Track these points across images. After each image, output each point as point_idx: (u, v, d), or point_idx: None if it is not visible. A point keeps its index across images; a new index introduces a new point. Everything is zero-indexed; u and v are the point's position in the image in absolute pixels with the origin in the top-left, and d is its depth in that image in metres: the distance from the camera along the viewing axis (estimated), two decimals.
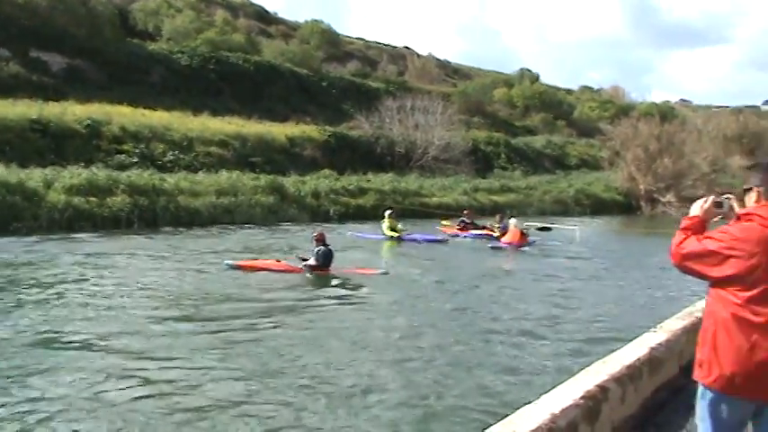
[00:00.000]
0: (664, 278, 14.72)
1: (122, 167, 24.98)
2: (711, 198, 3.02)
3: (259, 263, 13.92)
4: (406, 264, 16.14)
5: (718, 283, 2.81)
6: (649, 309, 11.55)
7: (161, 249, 16.30)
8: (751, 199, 2.89)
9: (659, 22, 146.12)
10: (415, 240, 20.58)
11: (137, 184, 21.66)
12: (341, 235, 20.82)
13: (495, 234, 21.77)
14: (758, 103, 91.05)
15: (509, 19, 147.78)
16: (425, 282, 13.90)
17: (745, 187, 2.94)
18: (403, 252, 18.73)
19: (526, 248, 20.02)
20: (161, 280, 12.39)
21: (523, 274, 15.55)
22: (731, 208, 2.98)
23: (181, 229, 20.77)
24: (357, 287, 12.64)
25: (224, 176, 26.02)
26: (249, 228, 22.28)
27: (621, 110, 65.08)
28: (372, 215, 25.99)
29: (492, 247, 19.76)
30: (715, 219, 3.01)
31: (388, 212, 21.53)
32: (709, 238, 2.82)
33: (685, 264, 2.86)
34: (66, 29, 38.51)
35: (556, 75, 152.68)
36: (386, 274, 13.90)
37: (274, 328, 9.24)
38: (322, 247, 13.68)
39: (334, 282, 13.09)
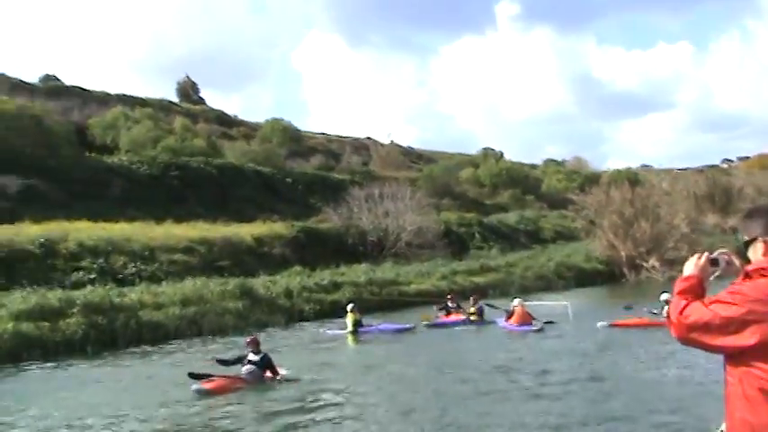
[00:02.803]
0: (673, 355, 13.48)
1: (79, 285, 23.42)
2: (706, 255, 2.74)
3: (228, 382, 12.38)
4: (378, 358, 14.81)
5: (736, 356, 2.42)
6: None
7: (114, 376, 14.68)
8: (757, 251, 2.57)
9: (604, 94, 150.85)
10: (380, 330, 20.25)
11: (92, 303, 20.05)
12: (313, 332, 20.55)
13: (473, 318, 21.49)
14: (715, 162, 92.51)
15: (460, 104, 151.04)
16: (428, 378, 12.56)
17: (746, 239, 2.63)
18: (368, 346, 17.74)
19: (533, 328, 19.25)
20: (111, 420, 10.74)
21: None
22: (728, 264, 2.72)
23: (144, 347, 19.16)
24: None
25: (189, 284, 24.52)
26: (220, 338, 20.79)
27: (588, 179, 65.22)
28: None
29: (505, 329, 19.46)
30: (711, 278, 2.72)
31: (350, 306, 21.25)
32: (719, 302, 2.44)
33: (692, 336, 2.46)
34: (23, 150, 37.65)
35: (515, 152, 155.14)
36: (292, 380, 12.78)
37: None
38: (251, 354, 12.54)
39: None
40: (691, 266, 2.70)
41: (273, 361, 12.83)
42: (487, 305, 22.36)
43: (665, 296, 18.12)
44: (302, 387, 12.31)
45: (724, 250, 2.79)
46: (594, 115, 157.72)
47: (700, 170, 73.62)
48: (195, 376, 12.10)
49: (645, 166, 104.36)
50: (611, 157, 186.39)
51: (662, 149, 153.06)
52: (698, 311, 2.48)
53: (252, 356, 12.61)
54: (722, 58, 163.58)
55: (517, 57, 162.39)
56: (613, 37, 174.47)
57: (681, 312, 2.53)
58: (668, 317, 2.60)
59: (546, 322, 19.91)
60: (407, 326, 20.94)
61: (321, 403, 11.00)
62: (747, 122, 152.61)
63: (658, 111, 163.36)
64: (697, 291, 2.61)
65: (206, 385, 12.05)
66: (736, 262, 2.73)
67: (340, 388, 12.15)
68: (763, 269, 2.46)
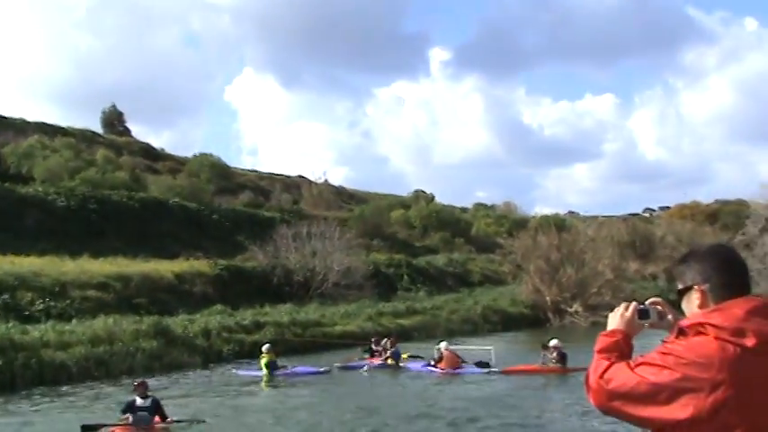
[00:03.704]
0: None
1: None
2: (633, 305, 2.30)
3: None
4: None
5: (666, 431, 1.96)
6: None
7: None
8: (692, 302, 2.14)
9: (533, 142, 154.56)
10: (294, 373, 20.02)
11: None
12: (225, 374, 19.99)
13: (389, 362, 21.35)
14: (637, 210, 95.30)
15: (393, 146, 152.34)
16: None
17: (680, 287, 2.20)
18: (282, 390, 17.12)
19: (462, 372, 19.31)
20: None
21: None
22: (661, 316, 2.30)
23: (44, 389, 17.86)
24: None
25: (99, 322, 23.19)
26: (129, 379, 19.58)
27: (516, 223, 65.98)
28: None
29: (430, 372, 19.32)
30: (638, 333, 2.27)
31: (265, 347, 20.86)
32: (647, 364, 2.01)
33: (613, 405, 2.03)
34: None
35: (446, 195, 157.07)
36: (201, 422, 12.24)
37: None
38: (138, 399, 11.74)
39: None
40: (616, 319, 2.27)
41: (163, 406, 12.07)
42: (411, 356, 22.16)
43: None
44: None
45: (656, 299, 2.38)
46: (524, 162, 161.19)
47: (623, 218, 75.62)
48: (88, 428, 11.17)
49: (571, 213, 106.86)
50: (540, 203, 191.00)
51: (588, 197, 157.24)
52: (622, 375, 2.03)
53: (139, 401, 11.77)
54: (645, 112, 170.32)
55: (449, 102, 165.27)
56: (542, 87, 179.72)
57: (601, 375, 2.07)
58: (586, 380, 2.13)
59: (479, 363, 19.84)
60: (322, 369, 20.68)
61: None
62: (668, 174, 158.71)
63: (585, 160, 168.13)
64: (622, 349, 2.18)
65: None
66: (670, 315, 2.32)
67: None
68: (699, 325, 2.03)
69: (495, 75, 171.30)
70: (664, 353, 2.01)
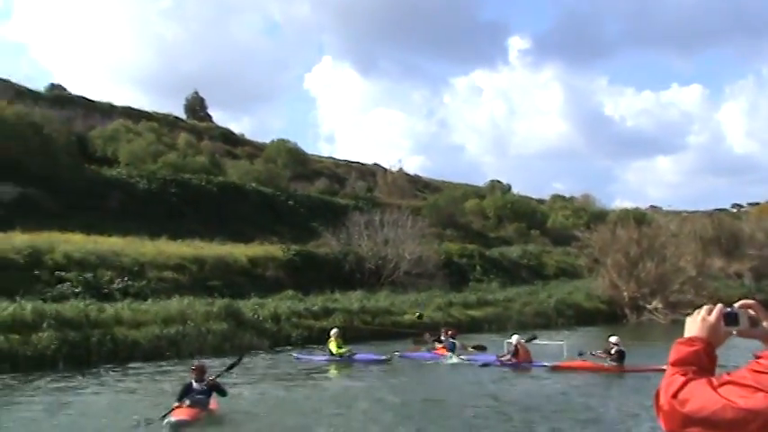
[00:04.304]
0: None
1: (62, 298, 22.65)
2: (719, 307, 1.86)
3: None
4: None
5: None
6: None
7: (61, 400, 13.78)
8: None
9: (614, 133, 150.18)
10: (355, 360, 20.04)
11: (65, 317, 19.25)
12: (287, 358, 20.23)
13: (448, 354, 20.93)
14: (724, 206, 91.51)
15: (470, 135, 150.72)
16: None
17: None
18: (348, 377, 17.02)
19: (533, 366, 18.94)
20: None
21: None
22: (753, 322, 1.84)
23: (117, 366, 18.34)
24: None
25: (173, 303, 23.72)
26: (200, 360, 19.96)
27: (594, 216, 64.23)
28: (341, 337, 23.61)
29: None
30: (724, 341, 1.85)
31: (334, 331, 20.98)
32: (735, 384, 1.61)
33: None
34: (21, 157, 37.14)
35: (523, 186, 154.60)
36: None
37: None
38: (194, 383, 11.61)
39: None
40: (696, 324, 1.87)
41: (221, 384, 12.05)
42: (475, 347, 21.70)
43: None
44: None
45: (748, 301, 1.93)
46: (604, 154, 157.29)
47: (709, 213, 72.61)
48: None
49: (653, 207, 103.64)
50: (619, 197, 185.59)
51: (671, 191, 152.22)
52: (702, 396, 1.66)
53: (196, 385, 11.73)
54: (735, 103, 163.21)
55: (528, 91, 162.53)
56: (625, 76, 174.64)
57: (675, 394, 1.71)
58: (656, 399, 1.76)
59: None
60: (382, 357, 20.48)
61: None
62: (758, 168, 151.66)
63: (668, 152, 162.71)
64: (702, 362, 1.79)
65: (180, 416, 11.23)
66: (766, 322, 1.88)
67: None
68: None
69: (575, 63, 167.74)
70: (758, 371, 1.63)
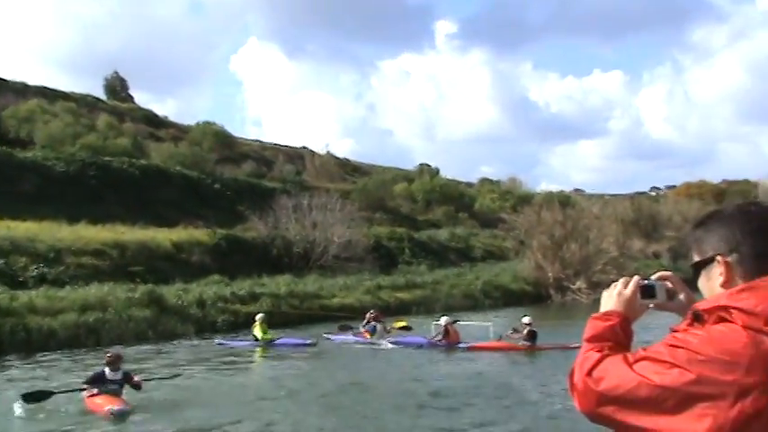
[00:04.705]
0: None
1: None
2: (635, 280, 1.73)
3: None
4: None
5: None
6: None
7: None
8: (713, 279, 1.58)
9: (539, 118, 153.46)
10: (279, 345, 19.89)
11: None
12: (210, 345, 19.90)
13: (366, 336, 21.21)
14: (643, 189, 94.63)
15: (398, 119, 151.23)
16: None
17: (696, 259, 1.63)
18: (272, 362, 16.74)
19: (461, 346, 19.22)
20: None
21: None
22: (670, 294, 1.74)
23: (30, 356, 17.52)
24: None
25: (92, 290, 22.85)
26: (121, 348, 19.28)
27: (521, 199, 65.42)
28: (268, 323, 23.20)
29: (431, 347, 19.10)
30: (640, 316, 1.72)
31: (259, 316, 20.72)
32: (651, 359, 1.48)
33: (604, 411, 1.50)
34: None
35: (451, 170, 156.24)
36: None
37: None
38: (109, 372, 11.20)
39: None
40: (612, 298, 1.74)
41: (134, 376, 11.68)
42: (402, 328, 21.84)
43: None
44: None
45: (665, 272, 1.82)
46: (529, 138, 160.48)
47: (630, 197, 75.06)
48: (31, 397, 10.79)
49: (577, 191, 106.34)
50: (545, 180, 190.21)
51: (593, 175, 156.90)
52: (617, 373, 1.52)
53: (110, 374, 11.27)
54: (653, 89, 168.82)
55: (455, 76, 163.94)
56: (549, 62, 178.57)
57: (589, 372, 1.56)
58: (570, 377, 1.61)
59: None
60: (308, 341, 20.33)
61: None
62: (675, 153, 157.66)
63: (591, 137, 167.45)
64: (618, 337, 1.65)
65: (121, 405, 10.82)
66: (682, 294, 1.77)
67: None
68: (723, 309, 1.49)
69: (501, 48, 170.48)
70: (674, 345, 1.49)
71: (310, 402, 11.43)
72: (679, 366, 1.44)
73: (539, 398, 12.32)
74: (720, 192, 77.55)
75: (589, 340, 1.64)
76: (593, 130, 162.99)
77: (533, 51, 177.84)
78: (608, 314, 1.70)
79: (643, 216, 58.66)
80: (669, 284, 1.77)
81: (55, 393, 11.05)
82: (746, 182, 76.18)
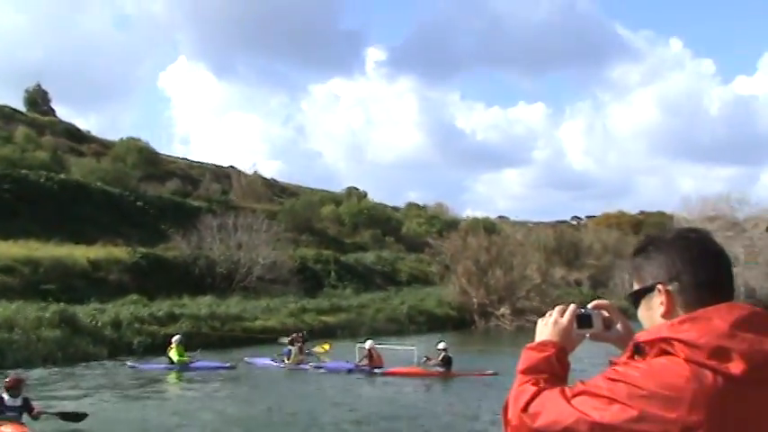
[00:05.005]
0: None
1: None
2: (572, 308, 1.65)
3: None
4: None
5: None
6: None
7: None
8: (654, 308, 1.50)
9: (465, 145, 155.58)
10: (198, 368, 19.38)
11: None
12: (123, 368, 19.40)
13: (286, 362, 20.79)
14: (565, 217, 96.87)
15: (327, 142, 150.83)
16: None
17: (636, 287, 1.55)
18: (189, 386, 16.33)
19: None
20: None
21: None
22: (607, 324, 1.66)
23: None
24: None
25: None
26: (26, 370, 18.29)
27: (447, 225, 66.03)
28: (187, 345, 22.36)
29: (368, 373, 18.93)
30: (575, 347, 1.64)
31: (176, 338, 20.35)
32: (589, 394, 1.39)
33: None
34: None
35: (379, 194, 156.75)
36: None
37: None
38: (8, 398, 10.63)
39: None
40: (548, 328, 1.65)
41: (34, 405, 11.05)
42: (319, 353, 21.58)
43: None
44: None
45: (602, 301, 1.74)
46: (456, 164, 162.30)
47: (552, 225, 76.74)
48: None
49: (501, 218, 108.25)
50: (470, 207, 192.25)
51: (517, 203, 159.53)
52: (554, 408, 1.42)
53: (8, 400, 10.63)
54: (574, 123, 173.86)
55: (384, 101, 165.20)
56: (476, 92, 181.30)
57: (524, 407, 1.46)
58: (504, 412, 1.51)
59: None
60: (226, 364, 19.81)
61: None
62: (594, 184, 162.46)
63: (515, 165, 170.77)
64: (554, 369, 1.56)
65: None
66: (619, 324, 1.69)
67: None
68: (664, 341, 1.41)
69: (429, 77, 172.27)
70: (613, 379, 1.40)
71: (227, 430, 11.03)
72: (619, 402, 1.35)
73: (451, 421, 12.36)
74: (638, 222, 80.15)
75: (524, 372, 1.55)
76: (517, 158, 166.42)
77: (461, 81, 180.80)
78: (543, 344, 1.61)
79: (565, 244, 60.10)
80: (605, 313, 1.70)
81: None
82: (662, 213, 79.01)
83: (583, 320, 1.66)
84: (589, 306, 1.71)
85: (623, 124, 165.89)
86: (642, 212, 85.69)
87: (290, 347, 21.41)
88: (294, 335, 23.09)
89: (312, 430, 11.32)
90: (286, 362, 20.77)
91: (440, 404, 14.38)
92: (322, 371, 19.72)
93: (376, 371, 19.04)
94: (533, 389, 1.49)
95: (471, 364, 19.37)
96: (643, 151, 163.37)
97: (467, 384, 17.17)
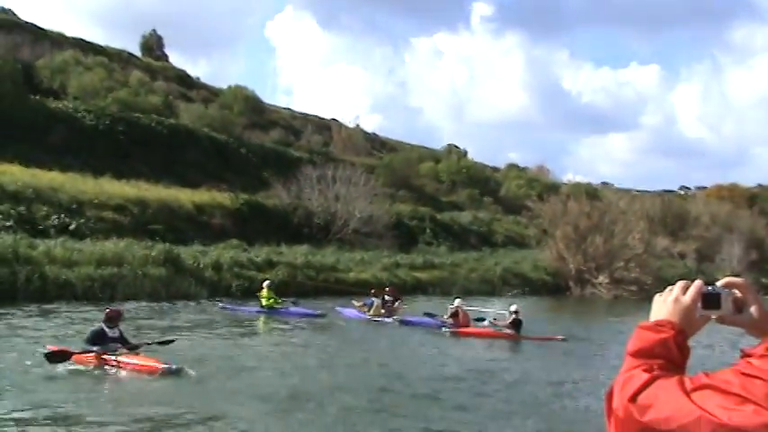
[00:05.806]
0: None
1: None
2: (697, 285, 1.39)
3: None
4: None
5: None
6: None
7: None
8: None
9: (571, 107, 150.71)
10: (289, 314, 19.62)
11: None
12: (214, 310, 19.79)
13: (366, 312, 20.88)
14: (672, 187, 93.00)
15: (429, 98, 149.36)
16: None
17: None
18: (278, 331, 16.72)
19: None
20: None
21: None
22: (738, 306, 1.37)
23: (45, 305, 17.49)
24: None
25: (110, 244, 22.83)
26: (134, 304, 19.25)
27: (547, 188, 64.56)
28: (282, 292, 22.85)
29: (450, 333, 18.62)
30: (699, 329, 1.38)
31: (266, 283, 20.66)
32: (715, 389, 1.17)
33: None
34: None
35: (479, 153, 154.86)
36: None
37: None
38: (107, 329, 10.95)
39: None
40: (667, 305, 1.40)
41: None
42: (427, 314, 21.24)
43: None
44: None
45: (735, 279, 1.44)
46: (559, 127, 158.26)
47: (658, 194, 73.77)
48: (54, 357, 10.54)
49: (605, 184, 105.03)
50: (571, 171, 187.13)
51: (622, 169, 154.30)
52: (670, 402, 1.18)
53: (109, 331, 11.10)
54: (689, 86, 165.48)
55: (488, 58, 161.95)
56: (585, 51, 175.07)
57: (633, 397, 1.23)
58: (608, 400, 1.28)
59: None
60: (317, 312, 20.06)
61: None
62: (707, 153, 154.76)
63: (622, 130, 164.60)
64: (672, 355, 1.31)
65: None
66: (753, 307, 1.39)
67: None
68: None
69: (537, 34, 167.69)
70: (748, 375, 1.17)
71: (297, 380, 11.13)
72: (754, 403, 1.13)
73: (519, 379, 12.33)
74: (752, 196, 75.96)
75: (634, 355, 1.33)
76: (624, 123, 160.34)
77: (570, 39, 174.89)
78: (660, 324, 1.37)
79: (671, 214, 57.59)
80: (738, 293, 1.41)
81: (75, 354, 10.81)
82: None
83: (709, 300, 1.40)
84: (718, 284, 1.43)
85: (743, 90, 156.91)
86: (760, 186, 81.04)
87: (373, 299, 21.49)
88: (384, 289, 23.22)
89: (379, 381, 11.33)
90: (367, 313, 20.91)
91: (512, 368, 14.08)
92: (404, 326, 19.72)
93: (444, 330, 18.85)
94: (645, 376, 1.27)
95: (564, 331, 19.00)
96: (763, 121, 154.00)
97: (533, 348, 17.14)
